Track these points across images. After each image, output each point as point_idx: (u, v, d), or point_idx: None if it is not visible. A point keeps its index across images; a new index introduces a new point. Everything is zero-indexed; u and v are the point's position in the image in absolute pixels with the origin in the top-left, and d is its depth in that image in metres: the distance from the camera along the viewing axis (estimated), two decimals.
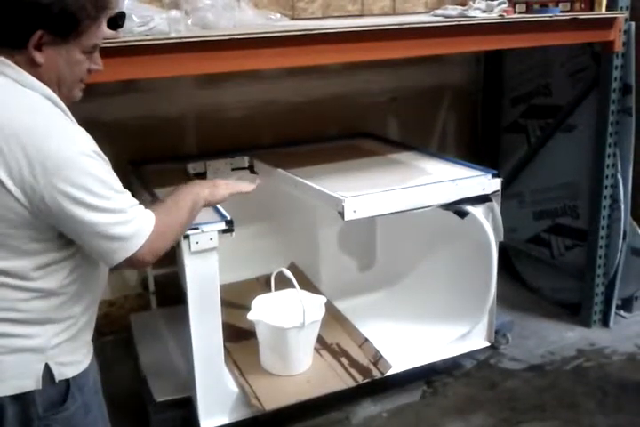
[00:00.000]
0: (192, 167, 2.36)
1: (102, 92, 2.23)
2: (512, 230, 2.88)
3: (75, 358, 1.21)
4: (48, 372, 1.16)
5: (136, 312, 2.56)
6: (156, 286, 2.55)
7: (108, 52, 1.31)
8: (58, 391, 1.18)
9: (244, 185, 1.51)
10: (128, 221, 1.13)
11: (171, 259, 2.37)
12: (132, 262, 1.16)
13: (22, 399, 1.14)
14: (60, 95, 1.13)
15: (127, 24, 1.45)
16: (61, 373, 1.18)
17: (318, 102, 2.67)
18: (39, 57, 1.09)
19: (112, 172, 1.15)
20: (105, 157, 1.15)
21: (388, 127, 2.89)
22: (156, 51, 1.43)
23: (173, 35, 1.51)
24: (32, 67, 1.10)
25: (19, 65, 1.09)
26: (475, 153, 2.99)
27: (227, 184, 1.45)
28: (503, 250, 2.92)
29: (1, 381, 1.13)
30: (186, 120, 2.50)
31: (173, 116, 2.46)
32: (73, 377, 1.20)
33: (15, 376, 1.14)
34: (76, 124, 1.15)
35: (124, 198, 1.15)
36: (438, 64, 2.83)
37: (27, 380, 1.14)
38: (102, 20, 1.16)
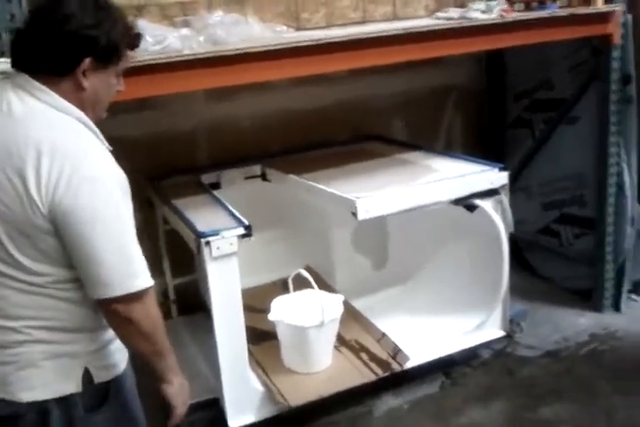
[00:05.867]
0: (205, 178, 2.41)
1: (118, 110, 2.28)
2: (521, 223, 2.91)
3: (111, 362, 1.28)
4: (87, 375, 1.23)
5: None
6: (176, 295, 2.61)
7: (128, 72, 1.37)
8: (97, 394, 1.25)
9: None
10: (140, 262, 1.17)
11: (189, 268, 2.46)
12: (131, 299, 1.16)
13: (65, 402, 1.21)
14: (92, 116, 1.21)
15: (142, 44, 1.52)
16: (100, 376, 1.25)
17: (326, 109, 2.71)
18: (85, 82, 1.17)
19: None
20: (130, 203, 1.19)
21: (396, 129, 2.94)
22: (174, 68, 1.49)
23: (187, 51, 1.58)
24: (77, 91, 1.18)
25: (63, 90, 1.17)
26: (481, 150, 3.02)
27: (182, 395, 1.35)
28: (513, 242, 2.97)
29: (45, 385, 1.20)
30: (198, 133, 2.55)
31: (186, 130, 2.51)
32: (111, 380, 1.27)
33: (57, 380, 1.21)
34: (108, 149, 1.22)
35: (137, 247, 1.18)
36: (442, 65, 2.87)
37: (68, 383, 1.21)
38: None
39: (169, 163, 2.44)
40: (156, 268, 2.60)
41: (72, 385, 1.22)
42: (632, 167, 2.48)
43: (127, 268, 1.16)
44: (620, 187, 2.50)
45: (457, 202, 2.14)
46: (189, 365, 2.26)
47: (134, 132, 2.38)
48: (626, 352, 2.42)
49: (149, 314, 1.21)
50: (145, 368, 1.31)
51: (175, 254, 2.48)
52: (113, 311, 1.18)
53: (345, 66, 1.86)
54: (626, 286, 2.66)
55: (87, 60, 1.16)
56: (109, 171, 1.16)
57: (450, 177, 2.14)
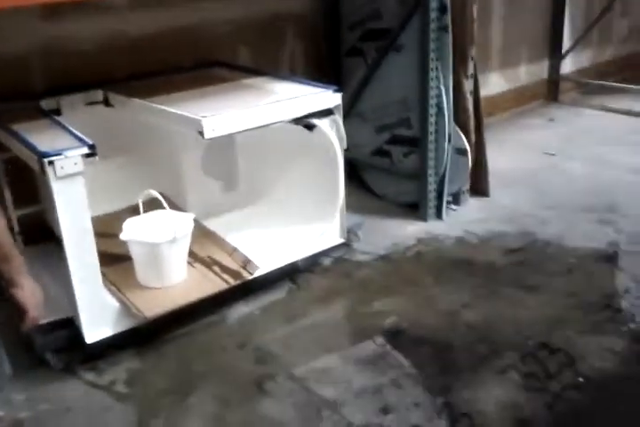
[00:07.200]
0: (45, 104, 2.33)
1: None
2: (357, 146, 3.18)
3: None
4: None
5: None
6: (22, 227, 2.54)
7: None
8: None
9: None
10: None
11: (33, 198, 2.42)
12: None
13: None
14: None
15: None
16: None
17: (169, 33, 2.70)
18: None
19: None
20: None
21: (240, 56, 3.00)
22: None
23: None
24: None
25: None
26: (322, 77, 3.18)
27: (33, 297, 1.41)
28: (350, 164, 3.25)
29: None
30: (32, 55, 2.44)
31: (19, 52, 2.39)
32: None
33: None
34: None
35: None
36: None
37: None
38: None
39: (2, 87, 2.33)
40: None
41: None
42: (448, 90, 2.79)
43: None
44: (440, 108, 2.81)
45: (297, 121, 2.31)
46: (43, 290, 2.28)
47: None
48: (445, 252, 2.81)
49: None
50: None
51: (17, 185, 2.42)
52: None
53: None
54: (445, 198, 3.03)
55: None
56: None
57: (289, 98, 2.29)
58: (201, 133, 2.05)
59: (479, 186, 3.20)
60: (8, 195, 2.48)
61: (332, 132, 2.37)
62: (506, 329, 2.29)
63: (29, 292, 1.39)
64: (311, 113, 2.30)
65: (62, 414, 1.98)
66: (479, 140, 3.06)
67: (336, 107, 2.35)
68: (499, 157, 3.49)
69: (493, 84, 4.23)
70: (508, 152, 3.78)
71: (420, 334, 2.29)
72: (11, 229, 2.54)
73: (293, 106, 2.26)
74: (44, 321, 2.08)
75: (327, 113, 2.34)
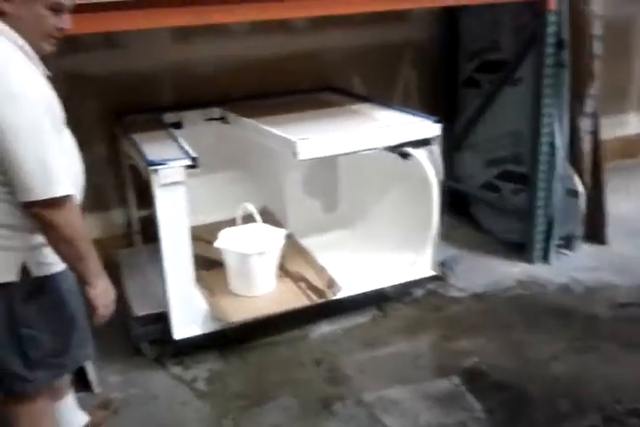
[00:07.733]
0: (167, 118, 2.59)
1: (85, 49, 2.49)
2: (468, 178, 3.14)
3: (47, 260, 1.46)
4: (25, 269, 1.42)
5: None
6: (142, 226, 2.80)
7: (92, 8, 1.54)
8: (34, 285, 1.45)
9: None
10: (60, 173, 1.32)
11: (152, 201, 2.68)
12: (51, 205, 1.31)
13: (4, 288, 1.42)
14: (35, 47, 1.36)
15: None
16: (36, 271, 1.44)
17: (287, 58, 2.91)
18: (7, 6, 1.31)
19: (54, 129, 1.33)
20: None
21: (355, 83, 3.12)
22: (135, 5, 1.66)
23: None
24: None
25: None
26: (436, 107, 3.20)
27: (105, 297, 1.50)
28: (462, 196, 3.20)
29: None
30: (162, 75, 2.74)
31: (150, 71, 2.70)
32: (48, 276, 1.47)
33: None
34: (41, 74, 1.36)
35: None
36: (399, 23, 3.06)
37: (7, 273, 1.41)
38: None
39: (134, 101, 2.64)
40: (120, 199, 2.82)
41: (11, 275, 1.41)
42: (563, 128, 2.66)
43: (46, 175, 1.31)
44: (552, 146, 2.69)
45: (392, 149, 2.34)
46: (146, 284, 2.48)
47: (101, 70, 2.59)
48: (544, 298, 2.64)
49: (70, 221, 1.37)
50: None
51: (140, 188, 2.64)
52: (35, 215, 1.35)
53: (302, 13, 2.00)
54: (554, 240, 2.85)
55: None
56: (33, 88, 1.30)
57: (386, 125, 2.34)
58: (295, 154, 2.15)
59: (595, 232, 2.98)
60: (132, 197, 2.77)
61: (427, 161, 2.36)
62: (595, 388, 2.10)
63: (101, 292, 1.48)
64: (407, 142, 2.32)
65: (148, 401, 2.14)
66: (597, 183, 2.86)
67: (434, 137, 2.35)
68: (625, 203, 3.25)
69: (632, 124, 3.95)
70: (636, 198, 3.49)
71: (498, 378, 2.18)
72: (130, 227, 2.81)
73: (389, 133, 2.30)
74: (142, 313, 2.30)
75: (424, 143, 2.34)
